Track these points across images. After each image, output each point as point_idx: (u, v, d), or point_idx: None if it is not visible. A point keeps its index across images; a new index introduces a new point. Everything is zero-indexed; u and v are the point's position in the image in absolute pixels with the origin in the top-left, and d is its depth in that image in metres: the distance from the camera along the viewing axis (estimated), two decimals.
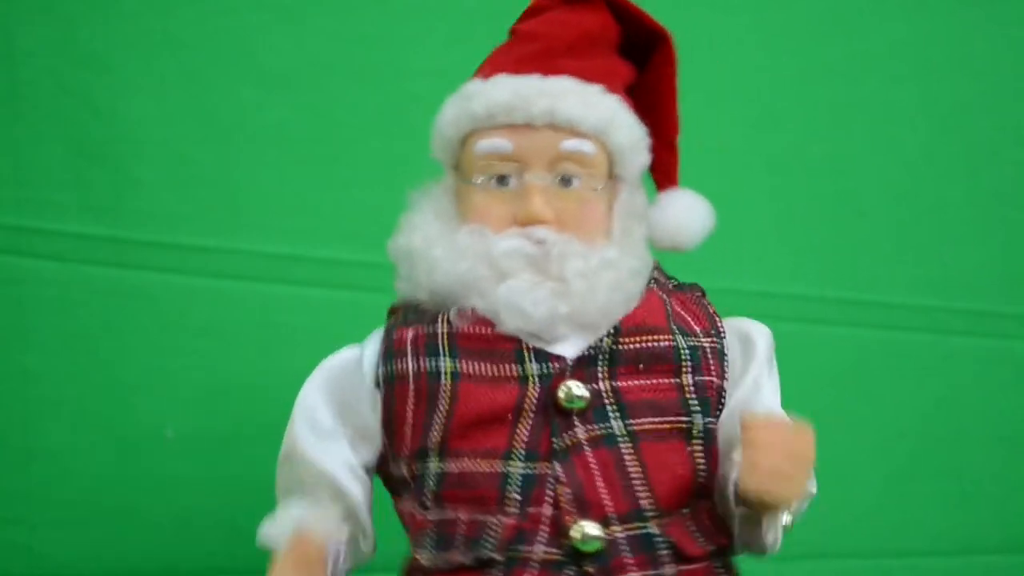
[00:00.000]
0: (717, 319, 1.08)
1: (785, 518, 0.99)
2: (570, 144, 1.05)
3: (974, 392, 1.65)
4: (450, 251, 1.04)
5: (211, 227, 1.38)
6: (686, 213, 1.11)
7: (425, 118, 1.43)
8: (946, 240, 1.64)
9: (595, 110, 1.05)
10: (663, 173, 1.13)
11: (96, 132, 1.35)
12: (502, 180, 1.05)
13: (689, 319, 1.06)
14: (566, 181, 1.05)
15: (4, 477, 1.31)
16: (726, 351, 1.06)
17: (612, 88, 1.08)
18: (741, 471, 0.94)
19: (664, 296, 1.07)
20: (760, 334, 1.08)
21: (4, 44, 1.33)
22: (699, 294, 1.10)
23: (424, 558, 1.00)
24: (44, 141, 1.34)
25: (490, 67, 1.09)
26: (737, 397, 1.05)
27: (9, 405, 1.32)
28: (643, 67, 1.13)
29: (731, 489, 1.00)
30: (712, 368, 1.04)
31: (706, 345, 1.05)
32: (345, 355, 1.08)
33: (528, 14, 1.12)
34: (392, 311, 1.10)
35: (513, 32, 1.12)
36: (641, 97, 1.12)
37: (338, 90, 1.42)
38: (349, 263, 1.41)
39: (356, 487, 1.05)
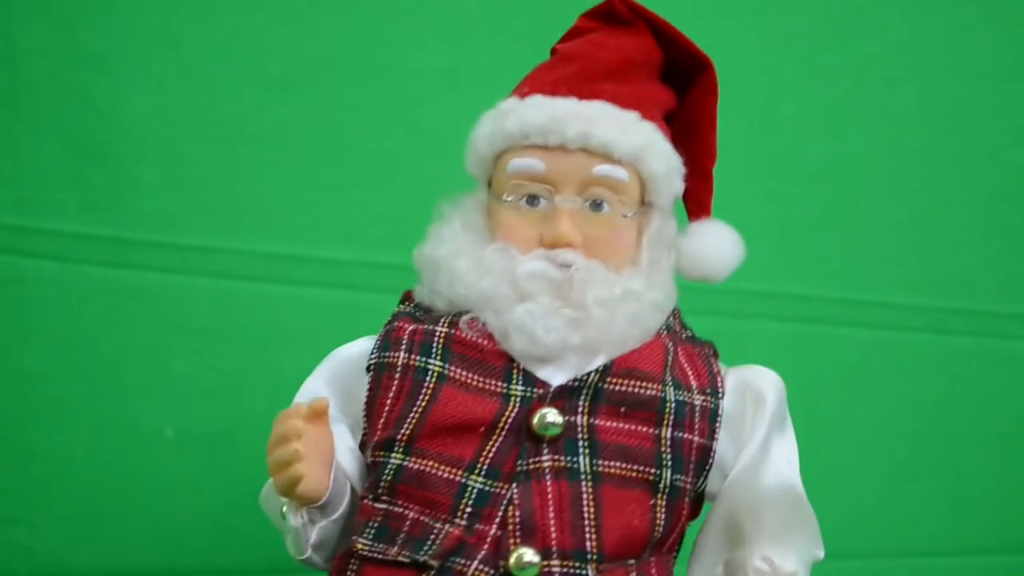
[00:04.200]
0: (720, 379, 1.06)
1: None
2: (602, 169, 1.04)
3: (974, 392, 1.65)
4: (475, 266, 1.04)
5: (211, 227, 1.38)
6: (717, 244, 1.10)
7: (425, 118, 1.44)
8: (946, 240, 1.64)
9: (630, 136, 1.04)
10: (696, 202, 1.12)
11: (96, 132, 1.35)
12: (532, 200, 1.05)
13: (689, 373, 1.05)
14: (596, 205, 1.05)
15: (4, 477, 1.31)
16: (720, 412, 1.04)
17: (649, 115, 1.07)
18: None
19: (670, 344, 1.06)
20: (770, 387, 1.06)
21: (4, 44, 1.33)
22: (709, 351, 1.09)
23: (361, 545, 1.00)
24: (44, 141, 1.34)
25: (528, 86, 1.08)
26: (745, 460, 1.04)
27: (9, 405, 1.32)
28: (683, 94, 1.12)
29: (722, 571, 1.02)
30: (696, 427, 1.03)
31: (697, 403, 1.03)
32: (356, 348, 1.08)
33: (570, 35, 1.12)
34: (406, 297, 1.10)
35: (554, 52, 1.12)
36: (679, 124, 1.11)
37: (338, 90, 1.42)
38: (349, 263, 1.41)
39: (353, 467, 1.05)
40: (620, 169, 1.04)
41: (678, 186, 1.09)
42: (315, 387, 1.08)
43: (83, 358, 1.34)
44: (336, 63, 1.42)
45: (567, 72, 1.08)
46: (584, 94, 1.06)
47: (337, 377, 1.08)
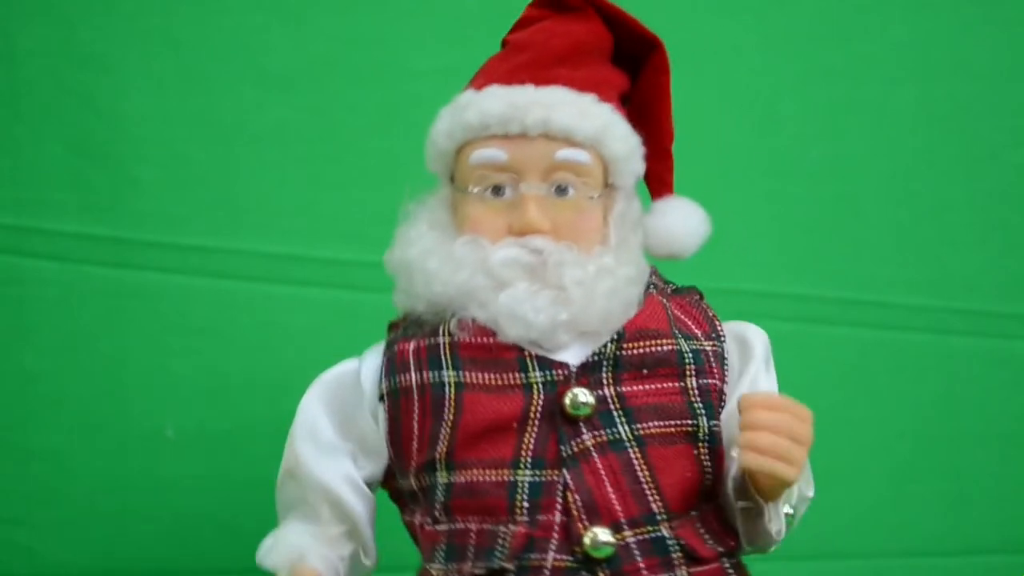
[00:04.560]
0: (717, 322, 1.08)
1: (786, 508, 1.00)
2: (565, 153, 1.04)
3: (974, 392, 1.65)
4: (447, 262, 1.04)
5: (211, 227, 1.38)
6: (682, 221, 1.10)
7: (425, 118, 1.43)
8: (946, 240, 1.64)
9: (589, 119, 1.05)
10: (658, 181, 1.13)
11: (96, 132, 1.35)
12: (497, 190, 1.05)
13: (690, 323, 1.06)
14: (561, 190, 1.05)
15: (4, 477, 1.31)
16: (726, 354, 1.06)
17: (605, 97, 1.07)
18: (740, 450, 0.95)
19: (664, 301, 1.07)
20: (757, 336, 1.08)
21: (4, 44, 1.33)
22: (698, 297, 1.10)
23: (436, 570, 1.00)
24: (44, 141, 1.34)
25: (483, 78, 1.09)
26: (735, 399, 1.04)
27: (9, 405, 1.32)
28: (637, 75, 1.13)
29: (731, 484, 1.00)
30: (715, 371, 1.04)
31: (708, 348, 1.05)
32: (342, 369, 1.08)
33: (519, 25, 1.12)
34: (392, 326, 1.10)
35: (505, 43, 1.12)
36: (635, 105, 1.12)
37: (338, 90, 1.42)
38: (349, 263, 1.41)
39: (359, 503, 1.05)
40: (582, 152, 1.05)
41: (639, 166, 1.10)
42: (313, 414, 1.07)
43: (83, 358, 1.34)
44: (336, 63, 1.42)
45: (521, 61, 1.08)
46: (540, 80, 1.06)
47: (332, 400, 1.07)
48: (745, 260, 1.55)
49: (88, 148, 1.35)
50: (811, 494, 1.04)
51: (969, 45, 1.65)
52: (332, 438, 1.06)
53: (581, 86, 1.06)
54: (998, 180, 1.67)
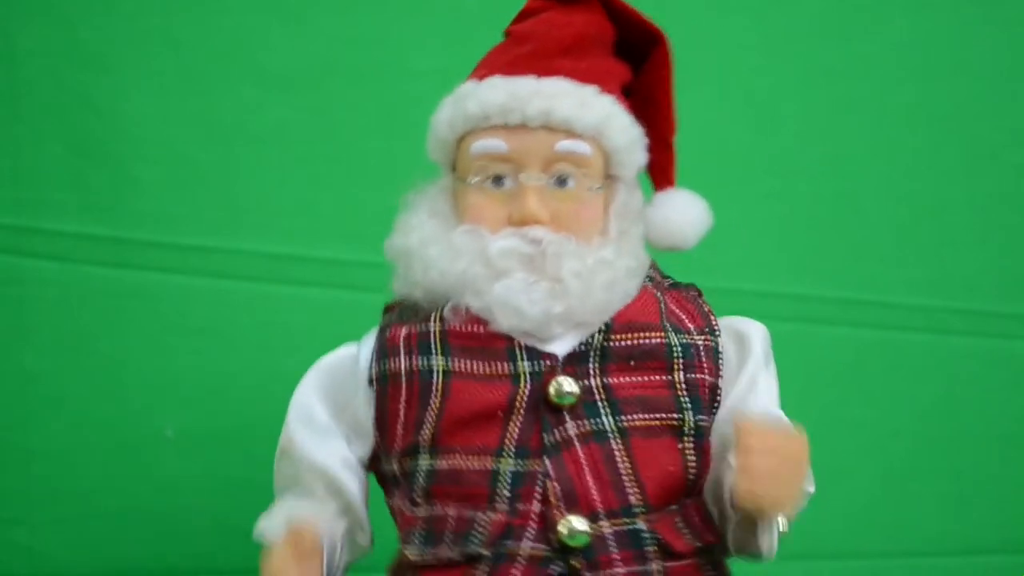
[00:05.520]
0: (712, 317, 1.08)
1: (781, 523, 0.99)
2: (565, 145, 1.05)
3: (973, 392, 1.65)
4: (446, 250, 1.04)
5: (211, 227, 1.38)
6: (683, 213, 1.11)
7: (425, 118, 1.42)
8: (946, 240, 1.64)
9: (590, 111, 1.05)
10: (660, 173, 1.13)
11: (96, 132, 1.35)
12: (498, 180, 1.05)
13: (683, 317, 1.06)
14: (561, 181, 1.05)
15: (4, 477, 1.31)
16: (721, 349, 1.06)
17: (607, 88, 1.08)
18: (736, 476, 0.94)
19: (659, 294, 1.07)
20: (756, 332, 1.08)
21: (4, 44, 1.33)
22: (695, 293, 1.11)
23: (412, 553, 1.00)
24: (44, 141, 1.34)
25: (485, 68, 1.09)
26: (733, 397, 1.05)
27: (9, 405, 1.32)
28: (639, 67, 1.13)
29: (727, 495, 0.99)
30: (705, 366, 1.04)
31: (699, 343, 1.05)
32: (341, 354, 1.08)
33: (522, 15, 1.13)
34: (387, 309, 1.11)
35: (507, 33, 1.12)
36: (637, 97, 1.12)
37: (338, 90, 1.42)
38: (349, 263, 1.41)
39: (353, 482, 1.06)
40: (582, 144, 1.05)
41: (641, 157, 1.10)
42: (308, 400, 1.07)
43: (83, 358, 1.34)
44: (336, 63, 1.42)
45: (523, 51, 1.08)
46: (542, 71, 1.06)
47: (327, 386, 1.07)
48: (745, 260, 1.55)
49: (88, 148, 1.35)
50: (811, 490, 1.04)
51: (969, 45, 1.65)
52: (327, 421, 1.06)
53: (583, 77, 1.06)
54: (998, 180, 1.67)
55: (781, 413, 1.06)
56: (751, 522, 0.99)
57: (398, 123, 1.42)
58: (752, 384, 1.05)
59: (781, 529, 0.99)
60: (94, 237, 1.34)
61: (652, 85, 1.12)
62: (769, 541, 1.00)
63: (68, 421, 1.33)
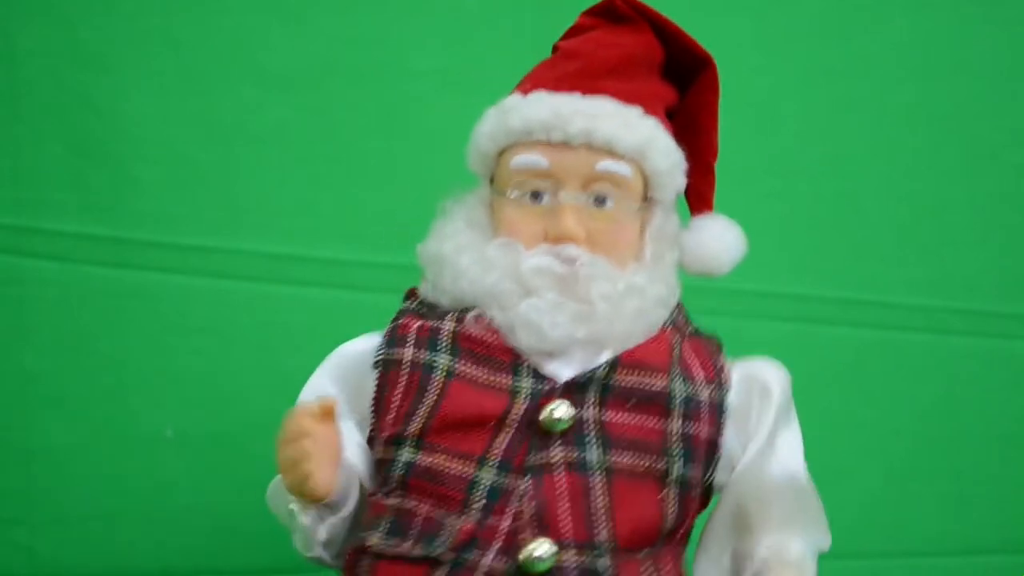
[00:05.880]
0: (725, 372, 1.07)
1: None
2: (605, 165, 1.05)
3: (973, 392, 1.65)
4: (479, 261, 1.04)
5: (211, 227, 1.38)
6: (720, 239, 1.11)
7: (425, 118, 1.43)
8: (946, 240, 1.64)
9: (633, 132, 1.05)
10: (698, 197, 1.13)
11: (96, 132, 1.35)
12: (536, 196, 1.06)
13: (695, 366, 1.05)
14: (600, 201, 1.05)
15: (4, 477, 1.31)
16: (727, 406, 1.05)
17: (651, 110, 1.07)
18: None
19: (676, 338, 1.06)
20: (776, 381, 1.07)
21: (4, 44, 1.33)
22: (715, 344, 1.09)
23: (373, 541, 1.00)
24: (44, 141, 1.34)
25: (530, 83, 1.09)
26: (752, 452, 1.05)
27: (9, 405, 1.32)
28: (685, 90, 1.12)
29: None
30: (705, 420, 1.04)
31: (704, 396, 1.04)
32: (361, 344, 1.08)
33: (571, 32, 1.13)
34: (409, 294, 1.11)
35: (556, 48, 1.12)
36: (681, 120, 1.12)
37: (338, 90, 1.42)
38: (349, 263, 1.41)
39: (362, 465, 1.05)
40: (623, 165, 1.05)
41: (680, 181, 1.10)
42: (321, 384, 1.08)
43: (83, 358, 1.34)
44: (336, 63, 1.42)
45: (569, 69, 1.08)
46: (587, 90, 1.06)
47: (343, 374, 1.08)
48: (745, 260, 1.55)
49: (88, 148, 1.35)
50: (826, 547, 1.05)
51: (969, 45, 1.65)
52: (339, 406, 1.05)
53: (627, 98, 1.06)
54: (998, 180, 1.66)
55: (803, 469, 1.06)
56: None
57: (398, 123, 1.42)
58: (772, 440, 1.05)
59: None
60: (94, 237, 1.35)
61: (697, 108, 1.12)
62: None
63: (68, 421, 1.33)
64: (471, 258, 1.05)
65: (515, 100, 1.07)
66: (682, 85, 1.12)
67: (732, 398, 1.05)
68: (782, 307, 1.57)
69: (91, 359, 1.34)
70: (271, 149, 1.40)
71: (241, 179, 1.39)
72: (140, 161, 1.36)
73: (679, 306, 1.10)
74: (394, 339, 1.05)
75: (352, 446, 1.04)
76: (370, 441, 1.06)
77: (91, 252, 1.34)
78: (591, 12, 1.12)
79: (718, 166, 1.14)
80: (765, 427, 1.05)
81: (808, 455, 1.08)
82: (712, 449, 1.04)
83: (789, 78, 1.58)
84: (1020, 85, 1.67)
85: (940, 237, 1.64)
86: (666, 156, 1.07)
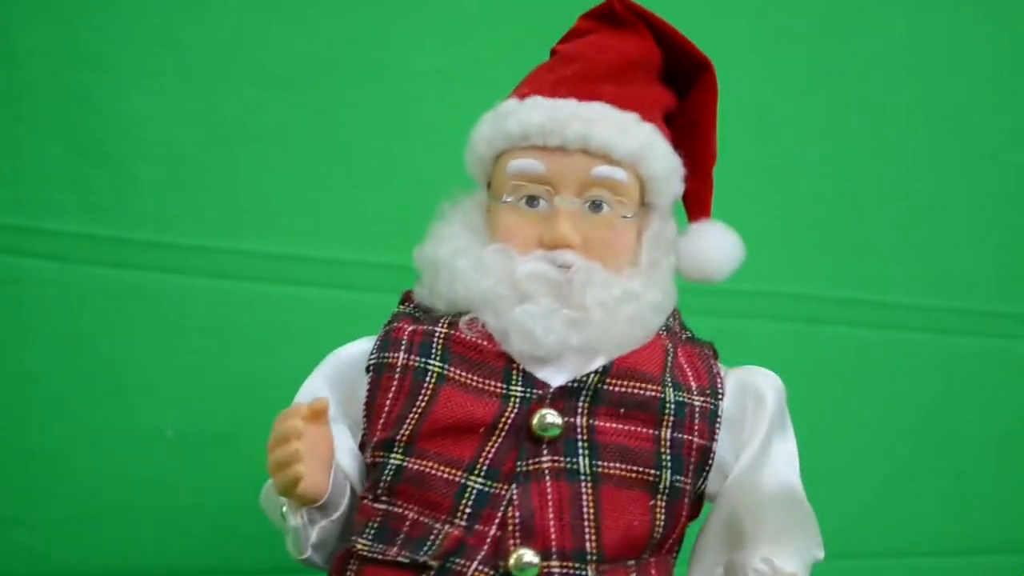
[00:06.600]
0: (719, 380, 1.06)
1: None
2: (602, 170, 1.04)
3: (973, 392, 1.65)
4: (474, 266, 1.04)
5: (211, 227, 1.38)
6: (717, 245, 1.10)
7: (425, 118, 1.44)
8: (945, 240, 1.64)
9: (630, 138, 1.05)
10: (696, 203, 1.12)
11: (96, 132, 1.35)
12: (532, 201, 1.05)
13: (689, 374, 1.05)
14: (596, 207, 1.05)
15: (4, 477, 1.31)
16: (720, 413, 1.04)
17: (648, 116, 1.07)
18: None
19: (670, 345, 1.06)
20: (770, 388, 1.07)
21: (4, 44, 1.33)
22: (709, 352, 1.09)
23: (361, 545, 1.00)
24: (44, 141, 1.34)
25: (527, 87, 1.08)
26: (745, 461, 1.04)
27: (9, 405, 1.32)
28: (684, 94, 1.12)
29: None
30: (697, 427, 1.03)
31: (697, 403, 1.04)
32: (356, 349, 1.08)
33: (570, 35, 1.12)
34: (405, 297, 1.11)
35: (553, 52, 1.12)
36: (680, 125, 1.12)
37: (338, 90, 1.42)
38: (349, 263, 1.41)
39: (354, 468, 1.05)
40: (619, 170, 1.05)
41: (678, 187, 1.09)
42: (315, 387, 1.08)
43: (83, 358, 1.34)
44: (336, 63, 1.42)
45: (567, 73, 1.08)
46: (584, 95, 1.06)
47: (338, 377, 1.08)
48: (745, 260, 1.55)
49: (88, 148, 1.35)
50: (821, 557, 1.04)
51: (969, 45, 1.65)
52: (333, 409, 1.05)
53: (624, 103, 1.06)
54: (998, 180, 1.67)
55: (796, 479, 1.06)
56: None
57: (398, 123, 1.42)
58: (765, 449, 1.05)
59: None
60: (94, 237, 1.35)
61: (696, 113, 1.12)
62: None
63: (68, 421, 1.33)
64: (467, 262, 1.04)
65: (512, 104, 1.07)
66: (681, 89, 1.12)
67: (726, 405, 1.05)
68: (782, 307, 1.57)
69: (91, 359, 1.34)
70: (271, 149, 1.40)
71: (241, 179, 1.39)
72: (140, 161, 1.36)
73: (675, 312, 1.09)
74: (387, 343, 1.05)
75: (344, 450, 1.04)
76: (362, 446, 1.06)
77: (91, 252, 1.34)
78: (590, 15, 1.12)
79: (718, 166, 1.14)
80: (759, 436, 1.05)
81: (807, 455, 1.08)
82: (705, 457, 1.03)
83: (788, 79, 1.58)
84: (1020, 85, 1.68)
85: (939, 237, 1.64)
86: (663, 162, 1.07)
